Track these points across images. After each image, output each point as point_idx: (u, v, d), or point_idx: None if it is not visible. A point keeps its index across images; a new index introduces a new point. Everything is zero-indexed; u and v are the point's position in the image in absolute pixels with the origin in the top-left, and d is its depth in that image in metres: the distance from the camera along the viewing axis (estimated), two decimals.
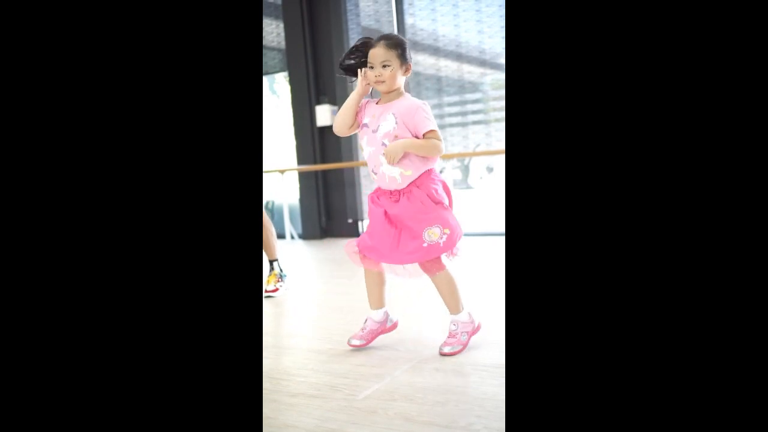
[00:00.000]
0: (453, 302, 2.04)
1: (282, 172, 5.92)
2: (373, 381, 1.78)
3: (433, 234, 1.92)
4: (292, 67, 6.00)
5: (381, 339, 2.20)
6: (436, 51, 5.50)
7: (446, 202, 2.00)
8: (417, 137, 1.92)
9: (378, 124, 1.96)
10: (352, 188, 6.01)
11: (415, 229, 1.93)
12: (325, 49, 5.87)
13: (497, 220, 5.41)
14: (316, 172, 6.03)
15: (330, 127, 5.91)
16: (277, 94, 6.54)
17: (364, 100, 2.05)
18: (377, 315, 2.13)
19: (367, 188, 5.91)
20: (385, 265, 2.05)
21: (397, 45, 1.95)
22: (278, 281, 3.22)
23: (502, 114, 5.27)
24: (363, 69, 1.98)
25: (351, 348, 2.12)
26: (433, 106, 5.49)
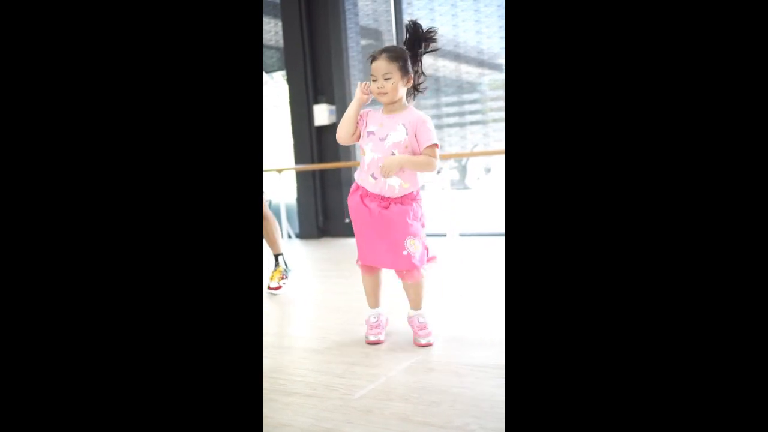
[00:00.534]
0: (417, 301, 2.16)
1: (279, 171, 5.91)
2: (368, 381, 1.77)
3: (414, 246, 2.05)
4: (290, 66, 6.00)
5: None
6: (434, 51, 5.49)
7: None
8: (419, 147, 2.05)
9: (387, 133, 2.06)
10: (349, 188, 6.00)
11: (397, 237, 2.05)
12: (323, 48, 5.87)
13: (494, 221, 5.41)
14: (313, 172, 6.02)
15: (328, 127, 5.91)
16: (272, 78, 6.51)
17: (364, 110, 2.14)
18: (381, 310, 2.23)
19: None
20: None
21: (399, 57, 2.02)
22: (282, 278, 3.22)
23: (500, 114, 5.27)
24: (361, 82, 2.09)
25: (368, 344, 2.16)
26: (431, 106, 5.49)
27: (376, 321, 2.20)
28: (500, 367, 1.80)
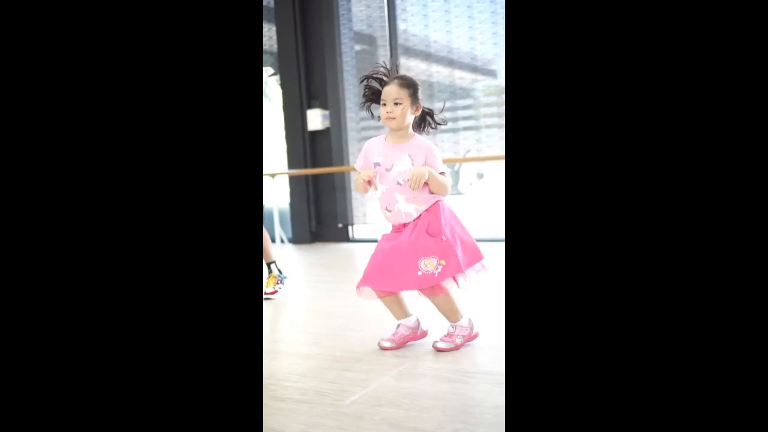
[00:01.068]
0: (452, 315, 2.11)
1: (273, 176, 5.91)
2: (359, 386, 1.77)
3: (429, 264, 2.01)
4: (283, 70, 6.00)
5: (368, 345, 2.20)
6: (427, 57, 5.52)
7: (448, 232, 2.06)
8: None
9: (392, 163, 2.06)
10: (342, 193, 6.00)
11: (411, 258, 2.01)
12: (317, 53, 5.87)
13: (487, 226, 5.43)
14: (306, 177, 6.02)
15: (321, 131, 5.92)
16: (269, 98, 6.53)
17: (368, 142, 2.17)
18: (409, 321, 2.18)
19: (357, 193, 5.90)
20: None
21: (410, 85, 2.04)
22: (277, 283, 3.22)
23: (493, 120, 5.29)
24: (360, 175, 2.10)
25: (380, 348, 2.14)
26: None
27: (396, 330, 2.17)
28: (491, 373, 1.80)
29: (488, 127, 5.32)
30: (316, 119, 5.89)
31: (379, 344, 2.17)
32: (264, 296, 3.17)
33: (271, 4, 6.06)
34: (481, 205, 7.12)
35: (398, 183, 2.04)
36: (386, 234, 2.16)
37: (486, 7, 5.13)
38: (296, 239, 6.15)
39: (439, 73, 5.50)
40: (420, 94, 2.06)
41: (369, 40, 5.89)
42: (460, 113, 5.49)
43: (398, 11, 5.60)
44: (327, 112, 5.89)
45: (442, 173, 2.04)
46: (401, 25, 5.60)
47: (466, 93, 5.57)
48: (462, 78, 5.46)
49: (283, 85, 6.05)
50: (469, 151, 5.42)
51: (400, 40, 5.57)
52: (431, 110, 2.14)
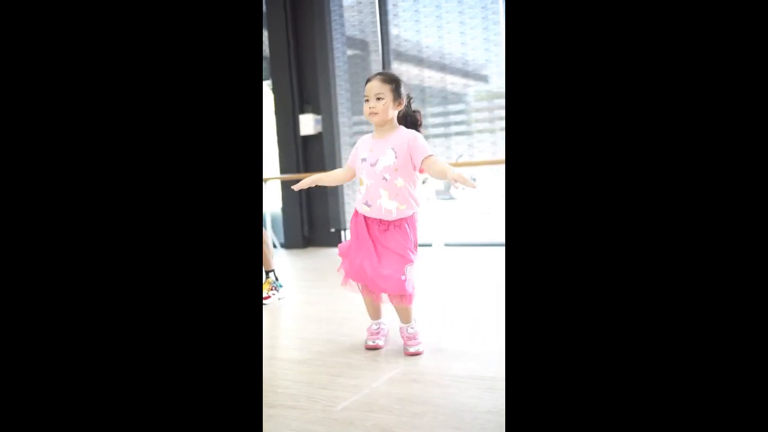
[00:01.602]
0: (407, 317, 2.19)
1: (265, 180, 5.90)
2: (351, 392, 1.77)
3: (410, 272, 2.10)
4: (275, 75, 6.00)
5: (360, 350, 2.21)
6: (419, 62, 5.53)
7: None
8: (414, 164, 2.06)
9: (377, 159, 2.09)
10: (334, 197, 6.00)
11: (397, 261, 2.08)
12: (309, 58, 5.88)
13: (479, 231, 5.44)
14: (299, 181, 6.00)
15: (313, 136, 5.91)
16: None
17: (360, 139, 2.21)
18: (383, 322, 2.28)
19: (350, 197, 5.90)
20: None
21: (392, 80, 2.08)
22: (272, 289, 3.24)
23: (485, 125, 5.30)
24: (301, 183, 2.27)
25: (366, 349, 2.22)
26: None
27: (377, 328, 2.27)
28: (482, 378, 1.81)
29: (480, 132, 5.34)
30: (308, 124, 5.88)
31: (366, 345, 2.24)
32: None
33: (263, 8, 6.06)
34: (472, 210, 7.15)
35: (384, 178, 2.06)
36: (363, 222, 2.15)
37: (477, 13, 5.15)
38: (289, 244, 6.14)
39: (431, 78, 5.51)
40: (402, 89, 2.09)
41: (361, 45, 5.90)
42: (452, 118, 5.50)
43: (390, 16, 5.61)
44: (319, 117, 5.89)
45: (431, 156, 2.03)
46: (393, 30, 5.61)
47: (458, 98, 5.58)
48: (454, 83, 5.47)
49: (275, 90, 6.05)
50: (461, 155, 5.43)
51: (392, 45, 5.58)
52: (417, 111, 2.17)
